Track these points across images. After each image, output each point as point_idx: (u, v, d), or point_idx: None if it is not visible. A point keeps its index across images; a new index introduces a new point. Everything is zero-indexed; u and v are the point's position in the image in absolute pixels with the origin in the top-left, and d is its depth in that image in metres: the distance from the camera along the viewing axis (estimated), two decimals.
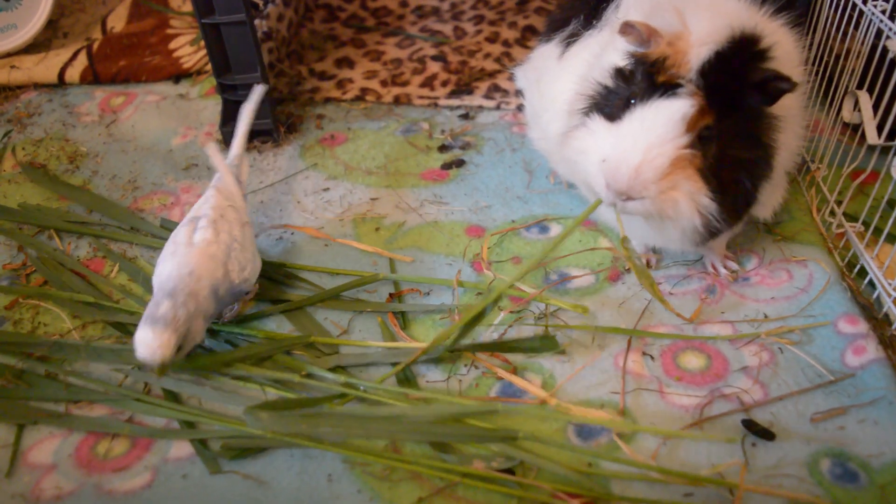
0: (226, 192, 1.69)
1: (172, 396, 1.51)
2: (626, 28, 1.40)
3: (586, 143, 1.47)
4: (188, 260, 1.49)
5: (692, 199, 1.40)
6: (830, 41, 1.92)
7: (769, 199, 1.63)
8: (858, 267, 1.67)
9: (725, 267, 1.72)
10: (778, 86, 1.35)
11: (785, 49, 1.49)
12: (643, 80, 1.41)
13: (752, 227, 1.79)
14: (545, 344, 1.55)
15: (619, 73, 1.47)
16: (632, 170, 1.37)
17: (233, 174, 1.74)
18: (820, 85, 1.98)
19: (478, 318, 1.52)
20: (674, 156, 1.37)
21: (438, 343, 1.52)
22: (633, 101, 1.41)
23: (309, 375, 1.52)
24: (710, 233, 1.47)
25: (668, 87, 1.37)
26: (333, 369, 1.54)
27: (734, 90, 1.38)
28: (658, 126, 1.37)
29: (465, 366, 1.55)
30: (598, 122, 1.46)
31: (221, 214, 1.61)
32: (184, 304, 1.41)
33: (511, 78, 2.30)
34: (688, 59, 1.37)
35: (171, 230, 1.91)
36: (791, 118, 1.52)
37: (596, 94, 1.51)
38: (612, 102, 1.46)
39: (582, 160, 1.49)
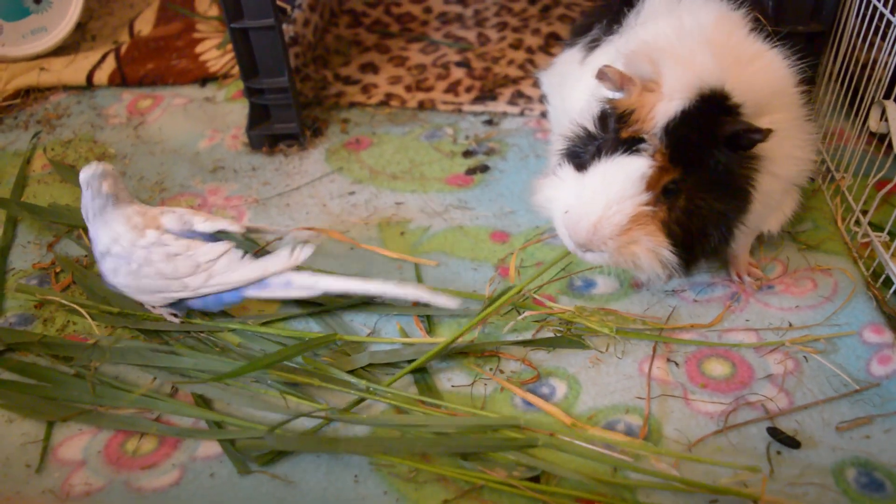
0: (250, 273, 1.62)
1: (200, 399, 1.53)
2: (601, 73, 1.39)
3: (553, 193, 1.48)
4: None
5: (653, 253, 1.40)
6: (856, 51, 1.92)
7: (774, 215, 1.63)
8: (884, 277, 1.66)
9: (749, 275, 1.72)
10: (750, 137, 1.33)
11: (774, 86, 1.47)
12: (612, 130, 1.40)
13: (777, 235, 1.79)
14: (571, 340, 1.58)
15: (601, 116, 1.46)
16: (591, 225, 1.37)
17: (281, 281, 1.62)
18: (846, 95, 1.98)
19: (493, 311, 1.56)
20: (633, 213, 1.36)
21: (457, 338, 1.53)
22: (601, 152, 1.40)
23: (331, 380, 1.53)
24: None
25: (633, 142, 1.36)
26: (356, 372, 1.56)
27: (702, 145, 1.36)
28: (617, 183, 1.37)
29: (491, 369, 1.56)
30: (566, 172, 1.46)
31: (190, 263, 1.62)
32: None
33: (536, 83, 2.31)
34: (653, 115, 1.35)
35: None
36: (782, 155, 1.48)
37: (575, 137, 1.50)
38: (589, 148, 1.45)
39: (549, 207, 1.51)
